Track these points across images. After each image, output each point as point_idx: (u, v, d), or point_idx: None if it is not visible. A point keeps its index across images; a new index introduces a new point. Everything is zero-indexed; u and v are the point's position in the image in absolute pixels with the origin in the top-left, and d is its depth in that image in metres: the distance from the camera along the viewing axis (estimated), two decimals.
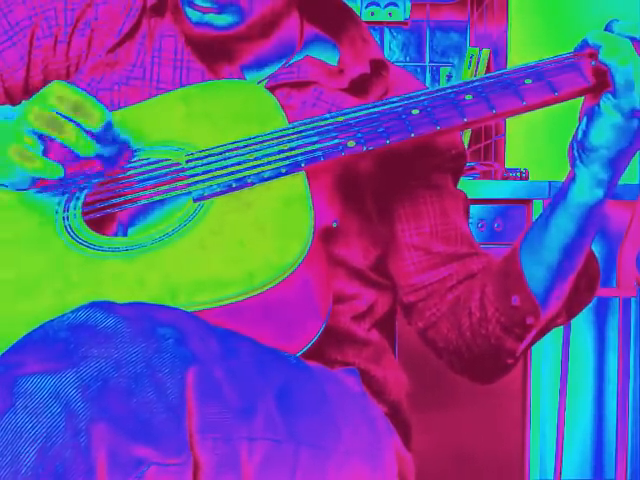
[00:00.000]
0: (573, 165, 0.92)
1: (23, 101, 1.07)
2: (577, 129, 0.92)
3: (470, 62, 2.65)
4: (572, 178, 0.92)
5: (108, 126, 0.89)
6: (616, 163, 0.90)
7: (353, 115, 0.93)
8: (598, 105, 0.88)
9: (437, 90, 0.93)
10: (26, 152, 0.86)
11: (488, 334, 1.00)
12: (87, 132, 0.87)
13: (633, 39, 0.87)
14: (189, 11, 0.99)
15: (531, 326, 0.98)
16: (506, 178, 2.25)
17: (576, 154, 0.91)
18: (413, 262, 1.08)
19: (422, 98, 0.92)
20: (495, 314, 0.99)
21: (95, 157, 0.89)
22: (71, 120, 0.86)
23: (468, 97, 0.91)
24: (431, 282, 1.07)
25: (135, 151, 0.95)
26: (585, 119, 0.90)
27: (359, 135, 0.91)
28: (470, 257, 1.08)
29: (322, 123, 0.92)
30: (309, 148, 0.90)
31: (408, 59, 2.85)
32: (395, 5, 2.76)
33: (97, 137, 0.88)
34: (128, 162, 0.95)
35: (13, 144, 0.86)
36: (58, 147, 0.88)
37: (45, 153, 0.87)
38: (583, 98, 0.93)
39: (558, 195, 0.94)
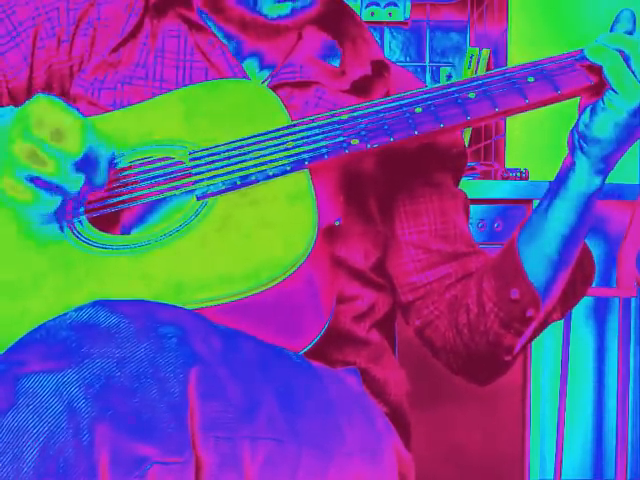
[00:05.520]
0: (573, 154, 0.93)
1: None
2: (578, 120, 0.93)
3: (470, 62, 2.65)
4: (571, 167, 0.93)
5: (90, 149, 0.85)
6: (615, 154, 0.91)
7: (357, 113, 0.93)
8: (602, 101, 0.89)
9: (440, 88, 0.93)
10: (19, 186, 0.82)
11: (486, 330, 1.00)
12: (69, 162, 0.82)
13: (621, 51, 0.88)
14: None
15: (531, 319, 0.99)
16: (506, 178, 2.25)
17: (577, 144, 0.92)
18: (412, 260, 1.08)
19: (425, 96, 0.93)
20: (494, 309, 0.99)
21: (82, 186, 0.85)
22: (53, 150, 0.81)
23: (471, 95, 0.91)
24: (430, 281, 1.08)
25: (118, 163, 0.94)
26: (589, 112, 0.91)
27: (363, 133, 0.91)
28: (469, 256, 1.09)
29: (326, 121, 0.93)
30: (313, 146, 0.91)
31: (408, 59, 2.84)
32: (395, 5, 2.76)
33: (79, 165, 0.84)
34: (115, 175, 0.93)
35: (5, 176, 0.82)
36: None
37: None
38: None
39: (555, 184, 0.95)
